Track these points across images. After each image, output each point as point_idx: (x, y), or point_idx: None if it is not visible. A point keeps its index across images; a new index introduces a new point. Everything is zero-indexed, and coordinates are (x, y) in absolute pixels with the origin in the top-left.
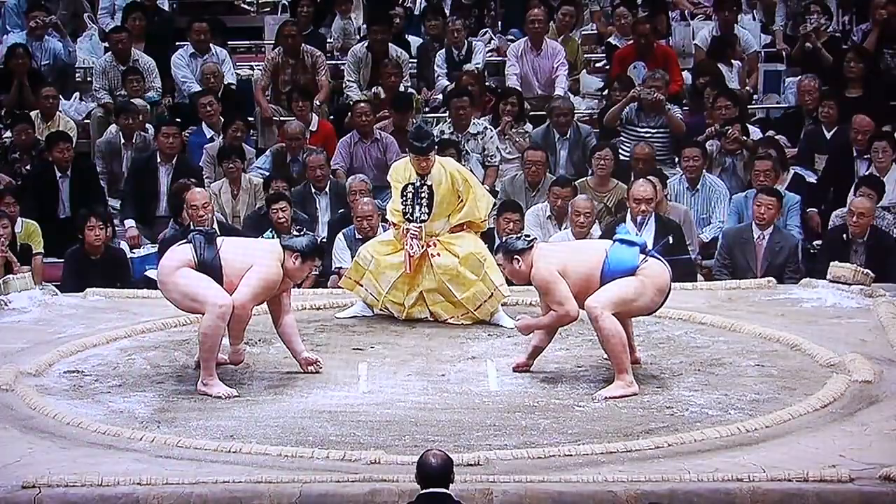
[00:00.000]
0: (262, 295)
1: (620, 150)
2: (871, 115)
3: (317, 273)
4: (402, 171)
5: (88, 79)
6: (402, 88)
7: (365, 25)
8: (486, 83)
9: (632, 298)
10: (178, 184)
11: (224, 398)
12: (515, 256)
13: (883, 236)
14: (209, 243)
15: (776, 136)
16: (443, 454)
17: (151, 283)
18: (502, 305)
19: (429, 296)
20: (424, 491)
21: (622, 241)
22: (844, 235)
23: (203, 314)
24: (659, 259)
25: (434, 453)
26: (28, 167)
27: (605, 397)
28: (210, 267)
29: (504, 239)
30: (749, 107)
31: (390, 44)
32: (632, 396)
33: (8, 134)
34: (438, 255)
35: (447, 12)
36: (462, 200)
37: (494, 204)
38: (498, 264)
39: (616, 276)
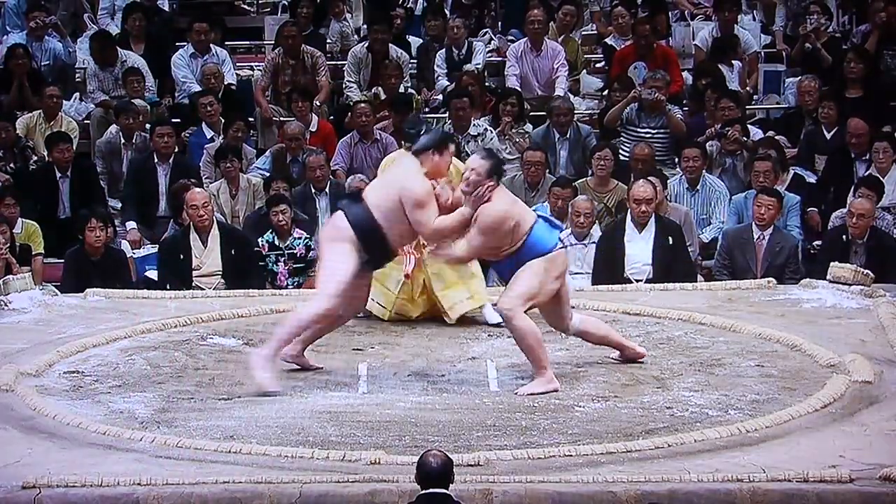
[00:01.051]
0: (434, 209)
1: (620, 151)
2: (871, 115)
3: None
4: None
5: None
6: (402, 89)
7: (365, 26)
8: (486, 84)
9: (537, 291)
10: (177, 184)
11: (264, 390)
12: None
13: (883, 237)
14: (355, 202)
15: (776, 137)
16: (442, 455)
17: (151, 284)
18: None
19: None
20: (424, 491)
21: (545, 220)
22: (844, 236)
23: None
24: (565, 248)
25: (434, 454)
26: (12, 165)
27: (527, 393)
28: (365, 225)
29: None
30: (749, 107)
31: (391, 44)
32: (553, 392)
33: None
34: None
35: (447, 13)
36: None
37: None
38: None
39: (529, 254)
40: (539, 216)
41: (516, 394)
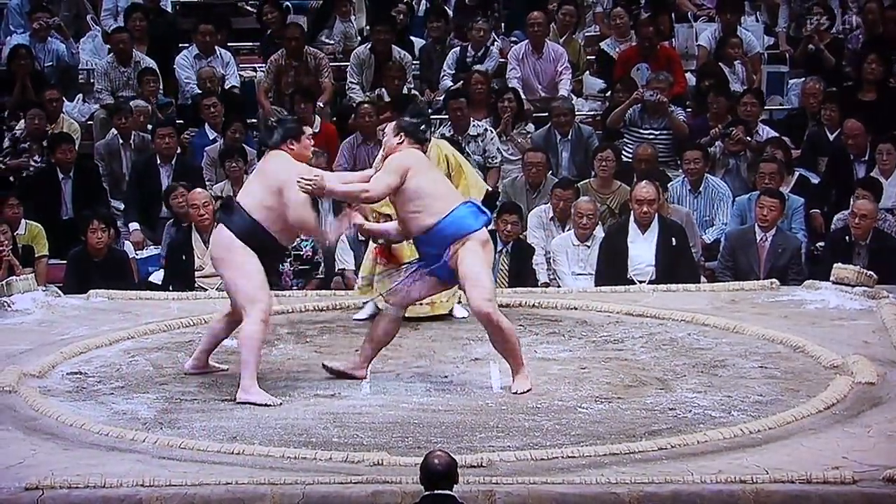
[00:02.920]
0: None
1: (623, 152)
2: (881, 119)
3: (321, 276)
4: None
5: (91, 80)
6: (405, 90)
7: (367, 27)
8: (492, 86)
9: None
10: (168, 186)
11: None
12: (402, 136)
13: (886, 238)
14: (230, 211)
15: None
16: (446, 456)
17: (154, 285)
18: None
19: None
20: (428, 493)
21: (475, 206)
22: (847, 237)
23: None
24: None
25: (438, 454)
26: (37, 158)
27: (519, 392)
28: (249, 228)
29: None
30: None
31: (393, 45)
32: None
33: (21, 125)
34: None
35: (450, 14)
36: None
37: (495, 206)
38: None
39: (448, 229)
40: (470, 201)
41: (514, 393)
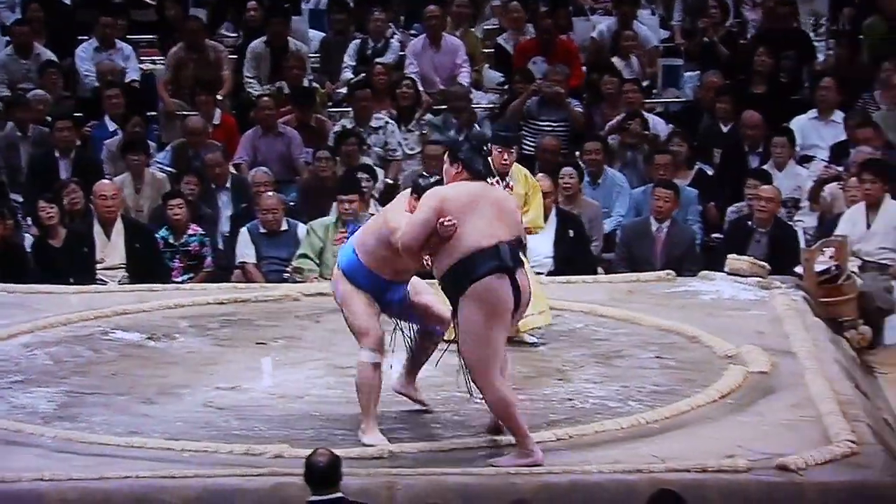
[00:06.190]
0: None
1: (522, 144)
2: (772, 112)
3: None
4: None
5: None
6: (305, 83)
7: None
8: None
9: None
10: (59, 182)
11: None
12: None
13: (784, 227)
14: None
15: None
16: (329, 453)
17: (52, 276)
18: None
19: None
20: (314, 498)
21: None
22: (749, 222)
23: None
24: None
25: (320, 452)
26: None
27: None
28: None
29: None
30: (648, 101)
31: (290, 38)
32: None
33: None
34: None
35: (350, 5)
36: (527, 204)
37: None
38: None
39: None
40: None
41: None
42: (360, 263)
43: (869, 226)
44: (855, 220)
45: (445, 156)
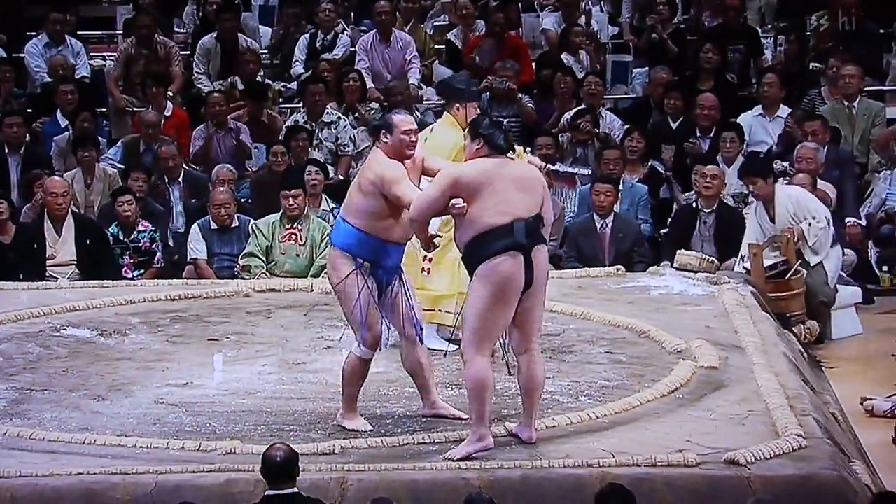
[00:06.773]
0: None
1: None
2: (721, 108)
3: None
4: None
5: None
6: (258, 78)
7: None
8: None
9: None
10: (31, 174)
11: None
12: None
13: (730, 209)
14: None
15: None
16: (286, 448)
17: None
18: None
19: None
20: (270, 492)
21: None
22: (695, 204)
23: None
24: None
25: (277, 447)
26: None
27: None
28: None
29: None
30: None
31: (240, 34)
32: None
33: None
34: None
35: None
36: None
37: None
38: None
39: None
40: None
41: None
42: (353, 229)
43: (773, 219)
44: (761, 220)
45: (466, 132)
